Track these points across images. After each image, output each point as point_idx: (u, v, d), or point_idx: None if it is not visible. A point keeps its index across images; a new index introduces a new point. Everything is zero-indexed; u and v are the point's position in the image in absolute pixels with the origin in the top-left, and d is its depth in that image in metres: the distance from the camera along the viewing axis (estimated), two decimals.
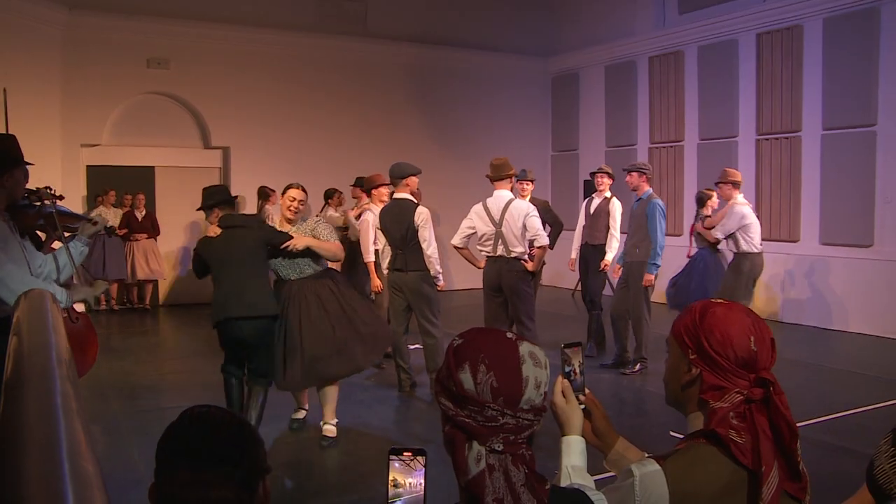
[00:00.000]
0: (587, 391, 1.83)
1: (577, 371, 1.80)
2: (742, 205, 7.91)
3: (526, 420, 1.37)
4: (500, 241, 6.79)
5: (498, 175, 6.87)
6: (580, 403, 1.78)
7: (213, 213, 5.56)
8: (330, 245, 5.51)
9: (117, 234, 10.76)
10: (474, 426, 1.35)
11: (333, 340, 5.38)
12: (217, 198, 5.45)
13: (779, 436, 1.60)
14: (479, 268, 6.99)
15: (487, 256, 6.91)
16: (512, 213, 6.74)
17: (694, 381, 1.70)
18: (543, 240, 6.92)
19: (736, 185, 7.97)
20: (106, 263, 11.05)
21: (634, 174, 7.73)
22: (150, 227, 11.60)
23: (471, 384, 1.36)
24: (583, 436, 1.75)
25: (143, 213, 11.60)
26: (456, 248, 7.01)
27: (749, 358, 1.65)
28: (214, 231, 5.32)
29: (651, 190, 7.79)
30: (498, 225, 6.77)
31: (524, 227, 6.76)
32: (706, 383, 1.67)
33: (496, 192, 6.87)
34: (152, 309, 11.83)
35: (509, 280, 6.83)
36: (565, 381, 1.76)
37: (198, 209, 5.62)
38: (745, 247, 7.78)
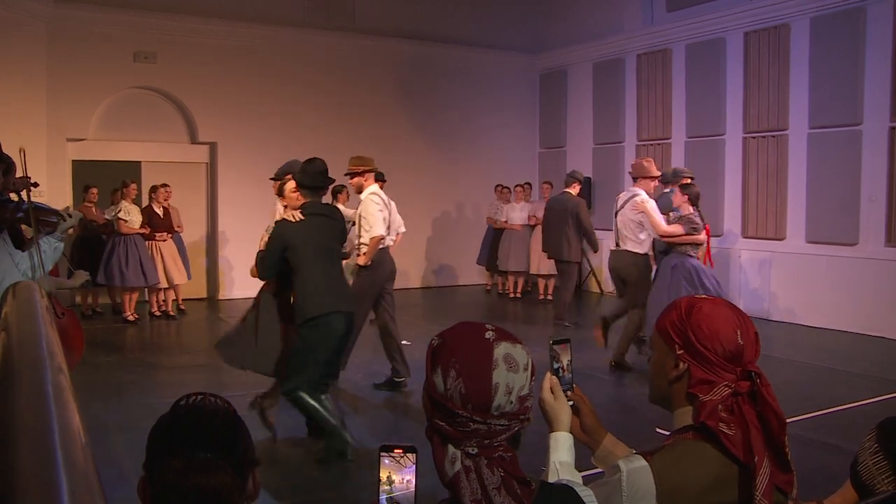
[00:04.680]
0: (576, 387, 1.84)
1: (566, 367, 1.81)
2: None
3: (499, 426, 1.35)
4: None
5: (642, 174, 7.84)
6: (568, 400, 1.79)
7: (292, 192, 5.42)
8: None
9: (109, 228, 10.40)
10: (448, 429, 1.35)
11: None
12: (322, 181, 5.21)
13: (767, 427, 1.62)
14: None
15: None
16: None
17: (682, 377, 1.72)
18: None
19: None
20: (144, 269, 10.08)
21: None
22: (170, 225, 10.61)
23: (442, 388, 1.36)
24: (571, 432, 1.76)
25: (162, 209, 10.57)
26: None
27: (736, 351, 1.67)
28: (294, 216, 5.07)
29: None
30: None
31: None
32: (694, 378, 1.69)
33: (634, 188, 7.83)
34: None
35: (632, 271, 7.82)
36: (553, 377, 1.77)
37: (302, 186, 5.27)
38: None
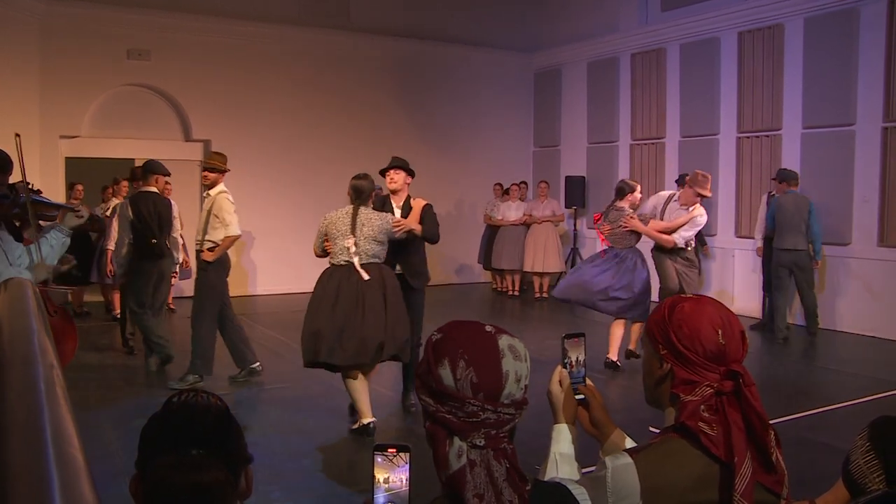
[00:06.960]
0: (588, 381, 1.86)
1: (574, 363, 1.83)
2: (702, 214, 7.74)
3: (507, 414, 1.37)
4: None
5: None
6: (579, 394, 1.81)
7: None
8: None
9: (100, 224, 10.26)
10: (455, 422, 1.35)
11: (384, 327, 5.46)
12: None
13: (750, 427, 1.62)
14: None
15: None
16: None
17: (666, 377, 1.73)
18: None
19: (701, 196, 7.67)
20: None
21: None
22: None
23: (450, 380, 1.36)
24: (580, 425, 1.79)
25: None
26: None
27: (717, 351, 1.67)
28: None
29: None
30: None
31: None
32: (677, 378, 1.70)
33: None
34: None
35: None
36: (563, 370, 1.80)
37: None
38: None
